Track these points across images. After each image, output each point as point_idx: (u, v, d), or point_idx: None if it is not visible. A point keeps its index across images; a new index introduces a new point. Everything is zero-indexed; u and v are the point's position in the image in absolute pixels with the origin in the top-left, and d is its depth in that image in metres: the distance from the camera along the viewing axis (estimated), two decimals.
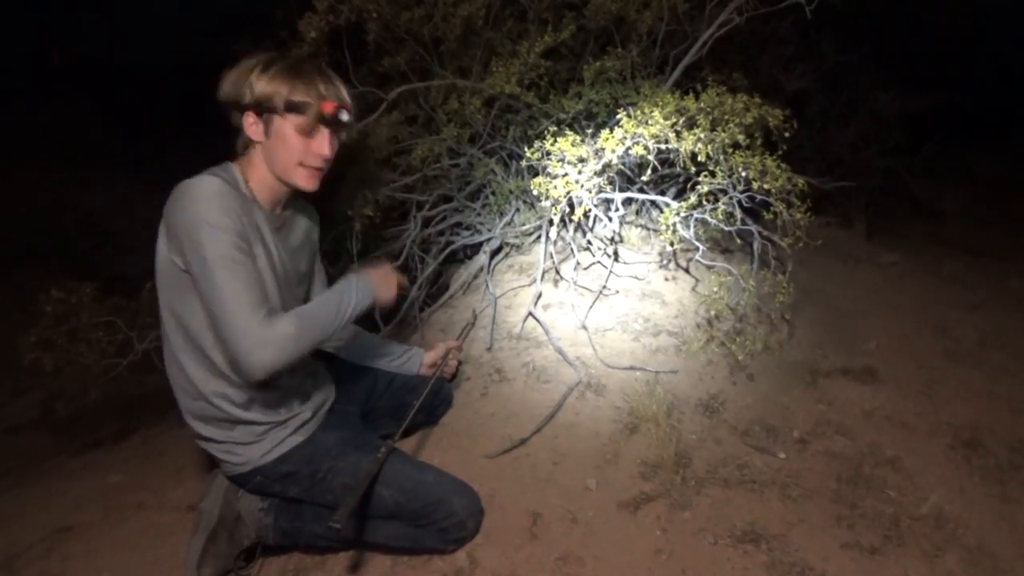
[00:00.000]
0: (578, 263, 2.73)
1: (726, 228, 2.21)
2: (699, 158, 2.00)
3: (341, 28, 2.38)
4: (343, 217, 2.44)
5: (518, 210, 2.91)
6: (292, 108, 1.62)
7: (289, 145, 1.65)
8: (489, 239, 2.89)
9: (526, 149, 2.22)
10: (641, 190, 2.75)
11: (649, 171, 2.12)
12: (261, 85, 1.61)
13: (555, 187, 2.02)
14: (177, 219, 1.53)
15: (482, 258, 2.88)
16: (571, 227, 2.70)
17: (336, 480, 1.77)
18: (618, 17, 2.57)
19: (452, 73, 2.63)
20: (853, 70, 3.94)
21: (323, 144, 1.68)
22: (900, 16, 4.13)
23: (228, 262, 1.51)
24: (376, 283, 1.83)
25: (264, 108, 1.63)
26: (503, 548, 1.78)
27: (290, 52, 2.42)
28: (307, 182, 1.71)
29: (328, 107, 1.64)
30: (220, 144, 2.89)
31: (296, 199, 1.84)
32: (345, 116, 1.68)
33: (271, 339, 1.51)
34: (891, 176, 4.24)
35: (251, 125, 1.65)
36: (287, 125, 1.64)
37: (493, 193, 2.88)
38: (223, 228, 1.52)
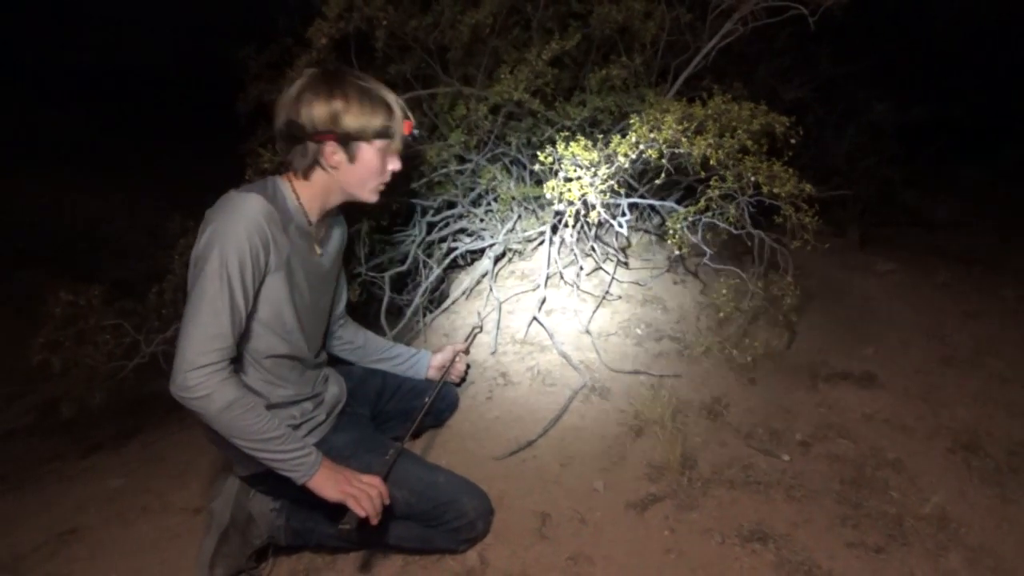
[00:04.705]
0: (581, 268, 2.76)
1: (735, 231, 2.25)
2: (711, 162, 2.04)
3: (349, 35, 2.40)
4: (352, 219, 2.46)
5: (520, 216, 2.93)
6: (382, 135, 1.72)
7: (372, 167, 1.74)
8: (492, 245, 2.91)
9: (538, 154, 2.25)
10: (642, 196, 2.78)
11: (663, 175, 2.16)
12: (350, 119, 1.67)
13: (569, 190, 2.06)
14: (207, 224, 1.59)
15: (486, 263, 2.90)
16: (575, 232, 2.73)
17: None
18: (622, 27, 2.61)
19: (457, 80, 2.66)
20: (850, 81, 3.99)
21: (397, 161, 1.79)
22: (897, 30, 4.20)
23: (221, 286, 1.54)
24: (326, 478, 1.65)
25: (352, 137, 1.69)
26: (513, 548, 1.80)
27: (298, 60, 2.44)
28: (375, 197, 1.83)
29: (408, 128, 1.77)
30: (218, 148, 2.91)
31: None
32: (416, 132, 1.80)
33: (203, 387, 1.49)
34: (886, 186, 4.30)
35: (332, 154, 1.71)
36: (372, 150, 1.72)
37: (496, 199, 2.90)
38: (240, 250, 1.56)
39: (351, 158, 1.72)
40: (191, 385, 1.48)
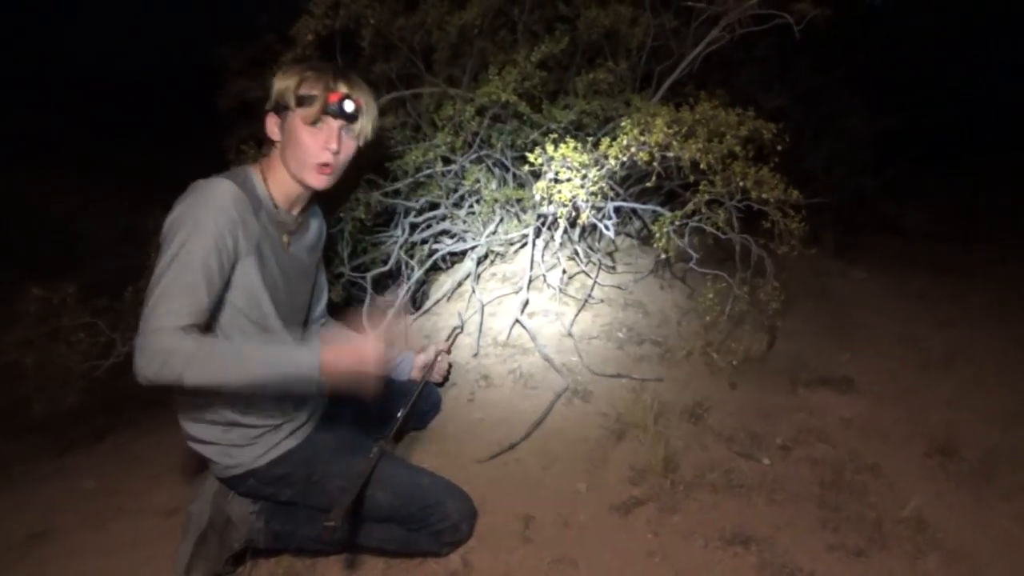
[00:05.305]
0: (564, 271, 2.76)
1: (722, 236, 2.27)
2: (701, 166, 2.05)
3: (335, 33, 2.38)
4: (334, 219, 2.44)
5: (502, 219, 2.93)
6: (301, 101, 1.67)
7: (299, 139, 1.69)
8: (475, 247, 2.91)
9: (527, 155, 2.24)
10: (624, 200, 2.80)
11: (653, 178, 2.17)
12: (277, 83, 1.69)
13: (560, 191, 2.06)
14: (175, 208, 1.58)
15: (468, 264, 2.89)
16: (558, 235, 2.74)
17: (330, 483, 1.77)
18: (608, 31, 2.62)
19: (443, 81, 2.66)
20: (828, 91, 4.05)
21: (331, 137, 1.70)
22: (872, 43, 4.27)
23: (186, 261, 1.52)
24: (334, 355, 1.59)
25: (280, 106, 1.69)
26: (496, 551, 1.80)
27: (283, 56, 2.42)
28: (316, 179, 1.74)
29: (333, 97, 1.68)
30: (199, 147, 2.87)
31: (312, 200, 1.88)
32: (350, 106, 1.70)
33: (159, 351, 1.44)
34: (859, 195, 4.36)
35: (272, 125, 1.73)
36: (297, 118, 1.68)
37: (478, 201, 2.90)
38: (205, 231, 1.54)
39: (283, 128, 1.72)
40: (149, 352, 1.43)
